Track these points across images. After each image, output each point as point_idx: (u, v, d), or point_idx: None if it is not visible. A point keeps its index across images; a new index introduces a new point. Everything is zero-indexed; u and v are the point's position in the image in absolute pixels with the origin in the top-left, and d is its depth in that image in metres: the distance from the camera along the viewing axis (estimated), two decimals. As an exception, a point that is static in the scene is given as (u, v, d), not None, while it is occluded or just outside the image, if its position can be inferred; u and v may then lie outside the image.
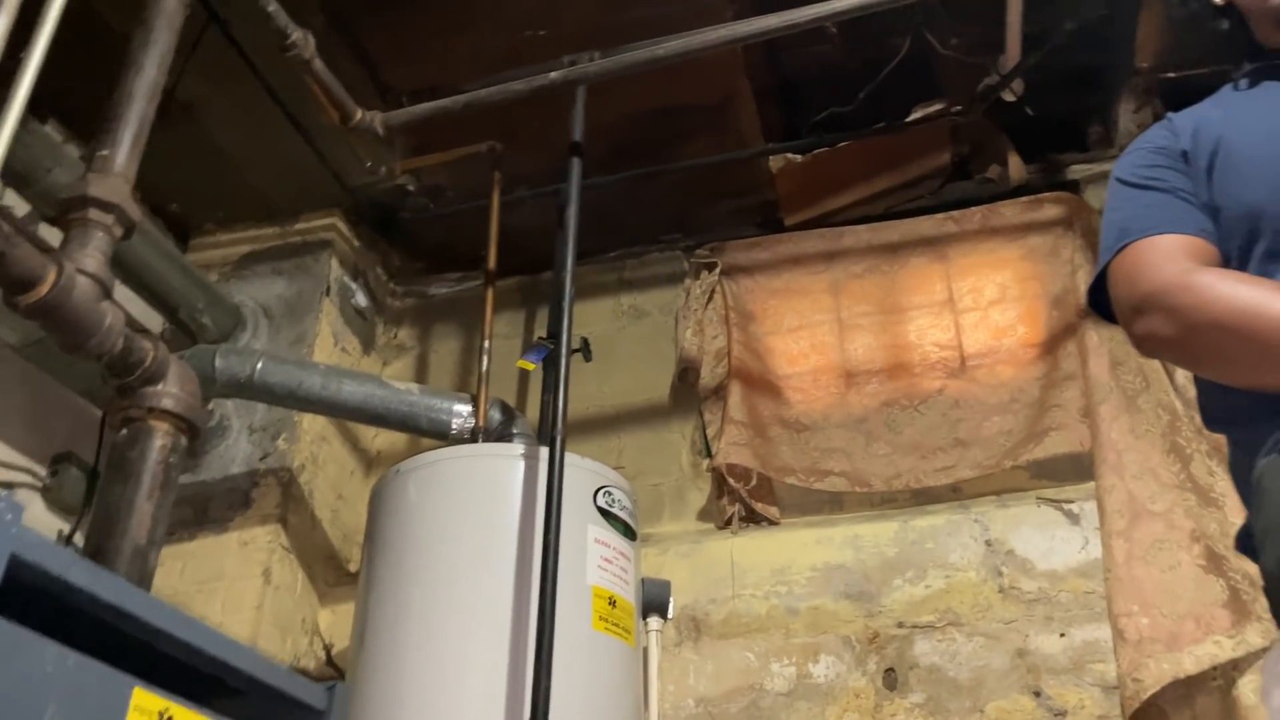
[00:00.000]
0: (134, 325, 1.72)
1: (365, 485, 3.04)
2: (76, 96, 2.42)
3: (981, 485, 2.59)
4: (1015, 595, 2.37)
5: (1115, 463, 2.39)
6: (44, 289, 1.46)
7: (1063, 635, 2.30)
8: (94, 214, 1.59)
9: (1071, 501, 2.46)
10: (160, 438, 1.65)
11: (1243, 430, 1.18)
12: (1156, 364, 2.50)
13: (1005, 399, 2.68)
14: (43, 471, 2.52)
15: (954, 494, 2.61)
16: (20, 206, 2.36)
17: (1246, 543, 1.19)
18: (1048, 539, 2.42)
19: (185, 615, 1.26)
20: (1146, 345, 1.23)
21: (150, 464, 1.62)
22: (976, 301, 2.85)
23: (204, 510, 2.68)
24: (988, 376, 2.74)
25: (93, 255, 1.57)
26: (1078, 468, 2.53)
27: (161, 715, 1.18)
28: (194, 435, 1.72)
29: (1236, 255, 1.19)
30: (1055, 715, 2.23)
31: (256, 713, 1.41)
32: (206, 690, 1.34)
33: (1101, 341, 2.57)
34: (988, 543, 2.45)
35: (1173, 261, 1.18)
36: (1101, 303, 1.29)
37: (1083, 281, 2.73)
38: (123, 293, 2.61)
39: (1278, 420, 1.09)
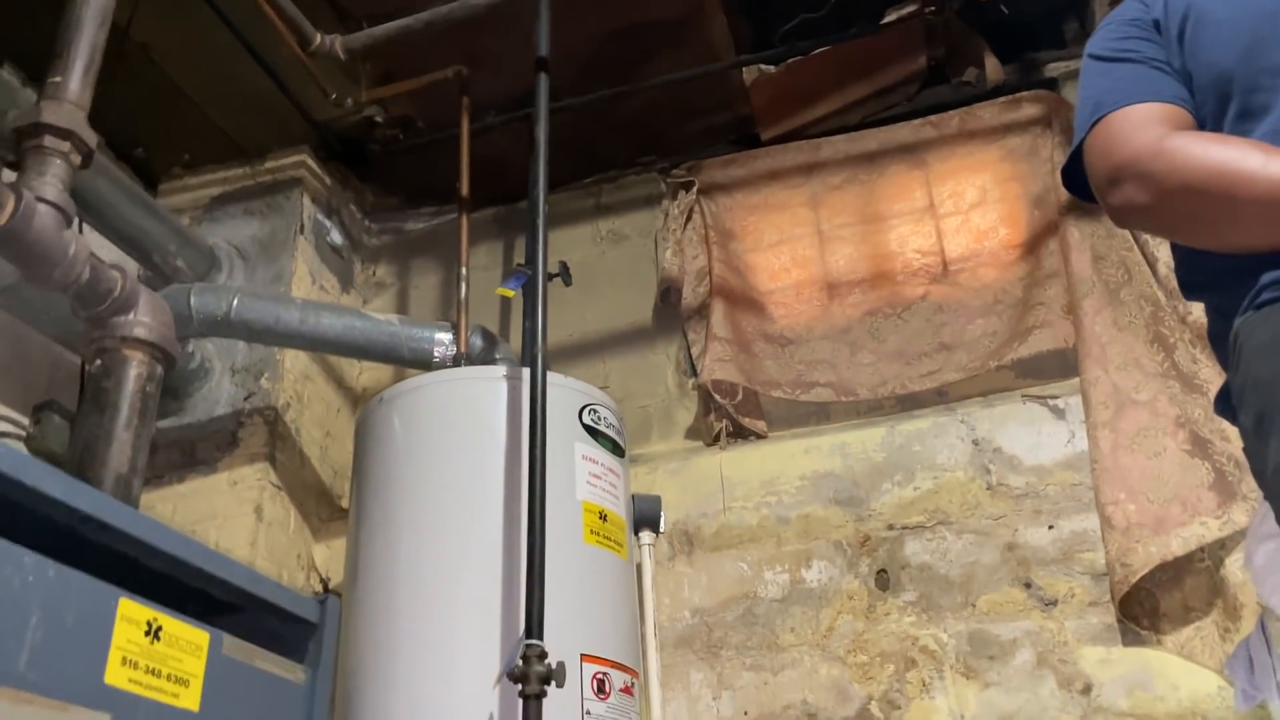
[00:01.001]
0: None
1: (352, 422, 3.03)
2: (31, 40, 2.36)
3: (967, 387, 2.59)
4: (1003, 491, 2.39)
5: (1099, 355, 2.39)
6: (3, 217, 1.43)
7: (1051, 527, 2.32)
8: (49, 141, 1.56)
9: (1057, 397, 2.47)
10: (135, 366, 1.63)
11: (1220, 295, 1.17)
12: (1138, 256, 2.49)
13: (989, 301, 2.68)
14: (25, 420, 2.51)
15: (940, 398, 2.61)
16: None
17: (1225, 404, 1.19)
18: (1034, 435, 2.43)
19: (169, 528, 1.26)
20: (1122, 215, 1.22)
21: (127, 393, 1.61)
22: (957, 206, 2.83)
23: (191, 452, 2.68)
24: (970, 280, 2.73)
25: (51, 183, 1.54)
26: (1062, 364, 2.53)
27: (150, 625, 1.18)
28: (170, 365, 1.71)
29: (1210, 119, 1.18)
30: (1046, 604, 2.25)
31: (249, 628, 1.41)
32: (198, 609, 1.34)
33: (1083, 237, 2.56)
34: (975, 442, 2.46)
35: (1146, 129, 1.16)
36: (1077, 182, 1.27)
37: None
38: (95, 239, 2.58)
39: (1254, 280, 1.09)
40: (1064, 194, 2.66)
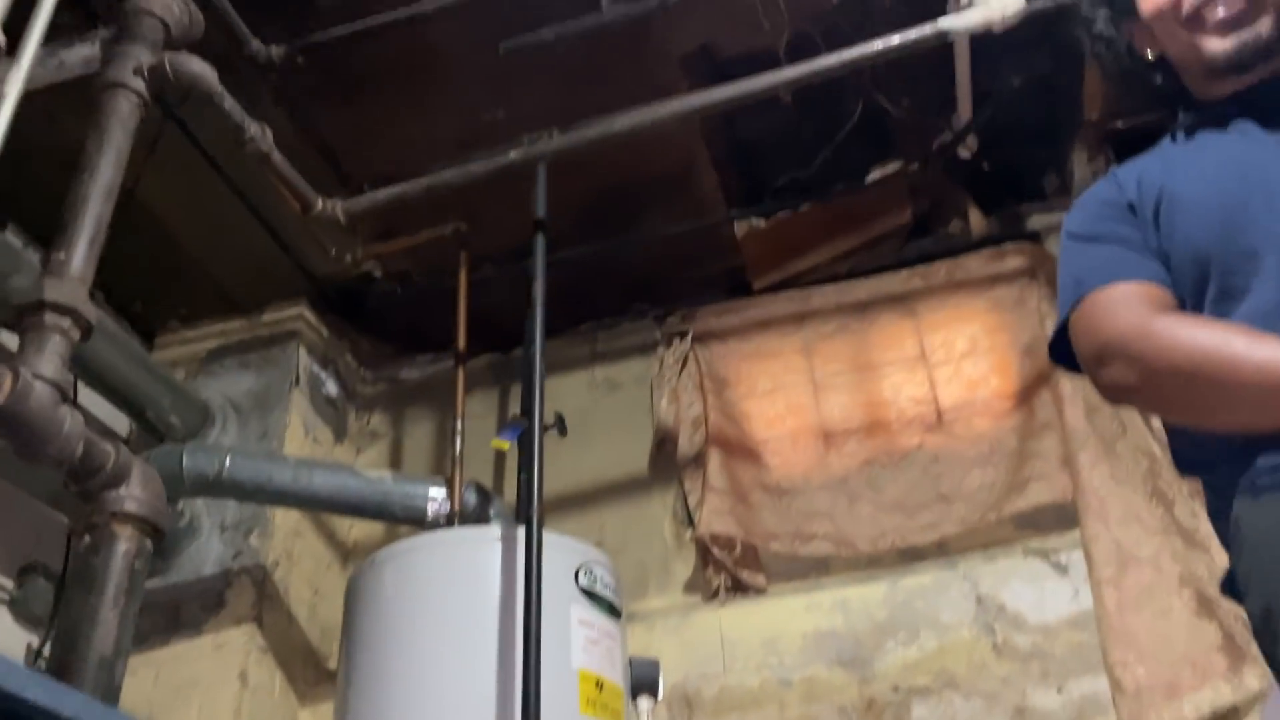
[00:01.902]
0: (97, 428, 1.68)
1: (342, 578, 2.96)
2: (34, 202, 2.41)
3: (967, 540, 2.56)
4: (1010, 651, 2.33)
5: (1099, 510, 2.37)
6: (0, 396, 1.43)
7: (1060, 690, 2.26)
8: (50, 318, 1.56)
9: (1058, 551, 2.44)
10: (124, 542, 1.60)
11: (1215, 474, 1.17)
12: (1133, 409, 2.50)
13: (984, 451, 2.67)
14: (9, 583, 2.45)
15: (940, 550, 2.58)
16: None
17: (1232, 587, 1.17)
18: (1038, 591, 2.39)
19: (150, 730, 1.21)
20: (1111, 394, 1.24)
21: (114, 571, 1.57)
22: (948, 355, 2.86)
23: (175, 614, 2.60)
24: (965, 429, 2.73)
25: (50, 360, 1.54)
26: (1062, 517, 2.51)
27: (127, 839, 1.12)
28: (159, 538, 1.68)
29: (1190, 299, 1.20)
30: (1060, 773, 2.17)
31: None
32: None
33: (1075, 389, 2.57)
34: (978, 599, 2.42)
35: (1130, 309, 1.18)
36: (1065, 354, 1.29)
37: (1051, 328, 2.74)
38: (88, 396, 2.57)
39: (1247, 461, 1.09)
40: (1053, 345, 2.69)
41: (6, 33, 1.66)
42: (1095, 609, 2.28)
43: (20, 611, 2.46)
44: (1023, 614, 2.37)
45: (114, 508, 1.60)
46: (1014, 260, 2.88)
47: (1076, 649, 2.30)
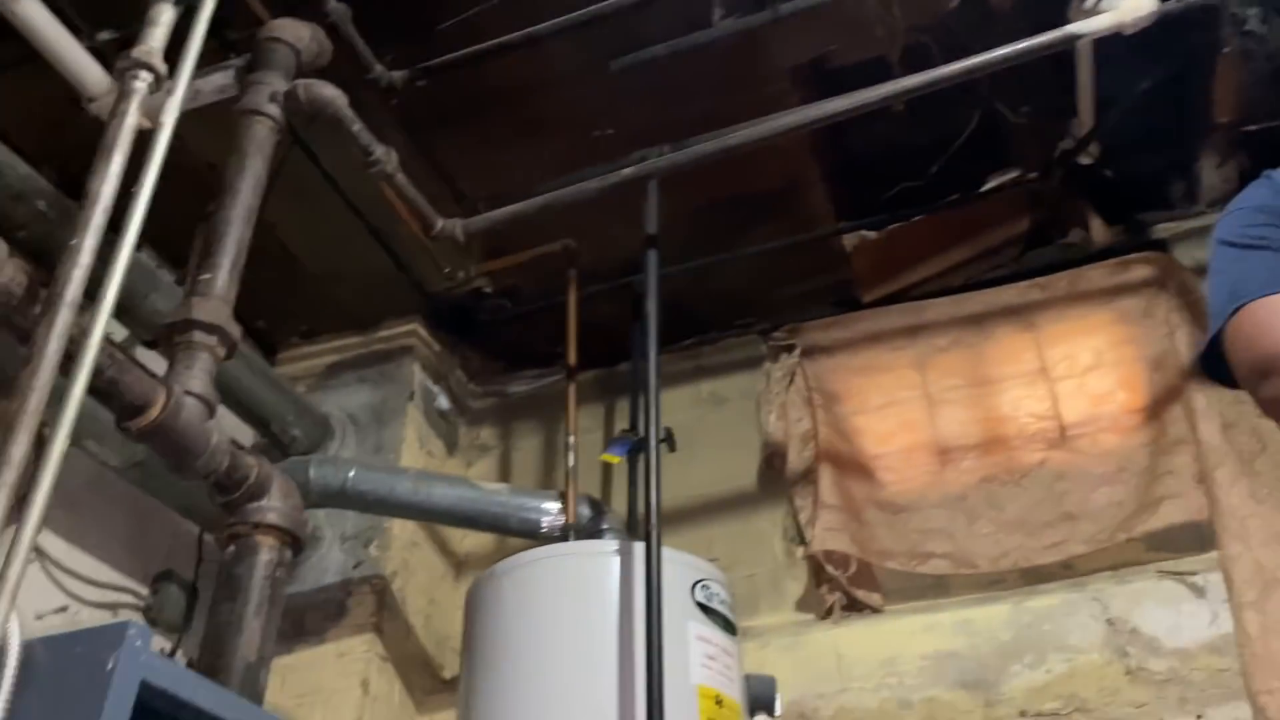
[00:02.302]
0: (235, 442, 1.74)
1: (456, 589, 3.02)
2: (164, 223, 2.51)
3: (1095, 560, 2.47)
4: (1144, 677, 2.24)
5: (1238, 530, 2.27)
6: (154, 413, 1.49)
7: (1199, 718, 2.16)
8: (198, 336, 1.63)
9: (1195, 573, 2.34)
10: (266, 552, 1.65)
11: None
12: (1272, 424, 2.38)
13: (1112, 468, 2.58)
14: (144, 591, 2.55)
15: (1066, 571, 2.50)
16: (118, 332, 2.44)
17: None
18: (1173, 614, 2.30)
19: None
20: (1274, 408, 1.19)
21: (257, 579, 1.63)
22: (1071, 369, 2.77)
23: (300, 622, 2.68)
24: (1091, 446, 2.65)
25: (198, 377, 1.60)
26: (1197, 537, 2.41)
27: (287, 843, 1.15)
28: (298, 547, 1.73)
29: None
30: (1202, 805, 2.08)
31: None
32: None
33: (1210, 404, 2.47)
34: (1109, 621, 2.33)
35: None
36: (1214, 368, 1.25)
37: (1182, 343, 2.65)
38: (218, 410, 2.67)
39: None
40: (1185, 358, 2.60)
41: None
42: (1236, 634, 2.18)
43: (155, 618, 2.56)
44: (1158, 638, 2.28)
45: (256, 519, 1.66)
46: (1140, 270, 2.78)
47: (1216, 675, 2.20)
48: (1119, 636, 2.31)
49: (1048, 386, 2.78)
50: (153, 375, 1.55)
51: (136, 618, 2.55)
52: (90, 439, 2.17)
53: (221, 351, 1.65)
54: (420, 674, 2.79)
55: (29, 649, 1.01)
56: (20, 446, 1.12)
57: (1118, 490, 2.54)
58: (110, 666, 0.97)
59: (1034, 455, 2.67)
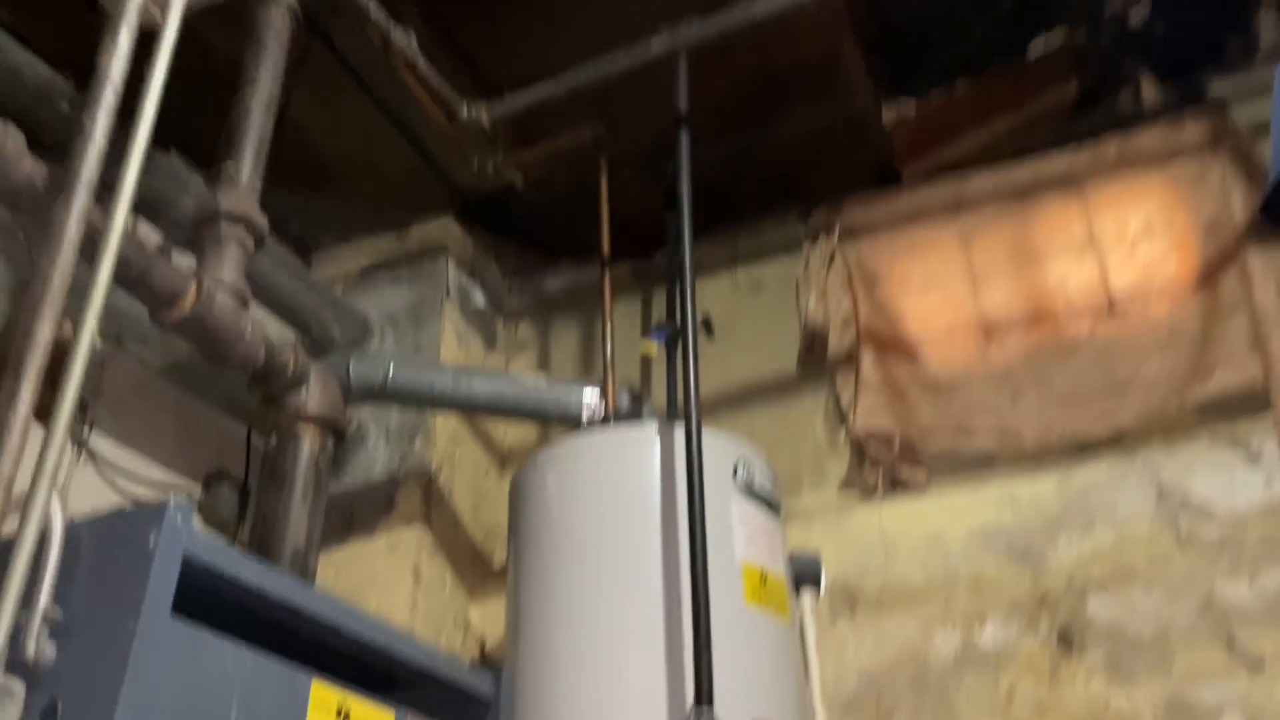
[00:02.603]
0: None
1: (501, 483, 3.06)
2: (193, 124, 2.49)
3: (1145, 431, 2.42)
4: (1195, 543, 2.22)
5: (1295, 393, 2.21)
6: (187, 303, 1.49)
7: (1252, 581, 2.14)
8: (225, 227, 1.62)
9: (1249, 438, 2.28)
10: (308, 442, 1.67)
11: None
12: (1331, 283, 2.30)
13: (1163, 337, 2.51)
14: (196, 490, 2.61)
15: (1115, 443, 2.45)
16: (152, 236, 2.44)
17: None
18: (1226, 481, 2.25)
19: (355, 610, 1.26)
20: None
21: (302, 468, 1.65)
22: (1121, 237, 2.68)
23: (350, 516, 2.73)
24: (1141, 316, 2.57)
25: (228, 267, 1.60)
26: (1251, 402, 2.35)
27: (340, 709, 1.18)
28: (340, 438, 1.74)
29: None
30: (1252, 665, 2.07)
31: (423, 703, 1.40)
32: (373, 684, 1.34)
33: (1266, 267, 2.38)
34: (1159, 490, 2.30)
35: None
36: (1277, 213, 1.18)
37: (1237, 205, 2.55)
38: (256, 312, 2.69)
39: None
40: (1240, 221, 2.50)
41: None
42: (1291, 497, 2.14)
43: (209, 516, 2.62)
44: (1210, 504, 2.24)
45: (297, 410, 1.67)
46: (1193, 131, 2.66)
47: (1271, 539, 2.16)
48: (1169, 505, 2.27)
49: (1096, 257, 2.69)
50: (184, 266, 1.54)
51: (193, 516, 2.61)
52: (132, 340, 2.20)
53: (250, 242, 1.64)
54: (470, 564, 2.84)
55: (72, 530, 1.02)
56: (45, 329, 1.12)
57: (1169, 359, 2.48)
58: (152, 544, 0.98)
59: (1082, 328, 2.61)
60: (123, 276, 1.34)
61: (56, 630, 0.98)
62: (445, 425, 2.89)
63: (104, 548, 1.02)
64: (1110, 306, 2.62)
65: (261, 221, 1.66)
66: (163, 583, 0.98)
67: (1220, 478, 2.26)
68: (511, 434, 3.19)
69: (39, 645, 0.96)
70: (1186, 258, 2.61)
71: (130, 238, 1.34)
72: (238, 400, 2.63)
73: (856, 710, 2.35)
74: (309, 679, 1.16)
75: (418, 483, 2.75)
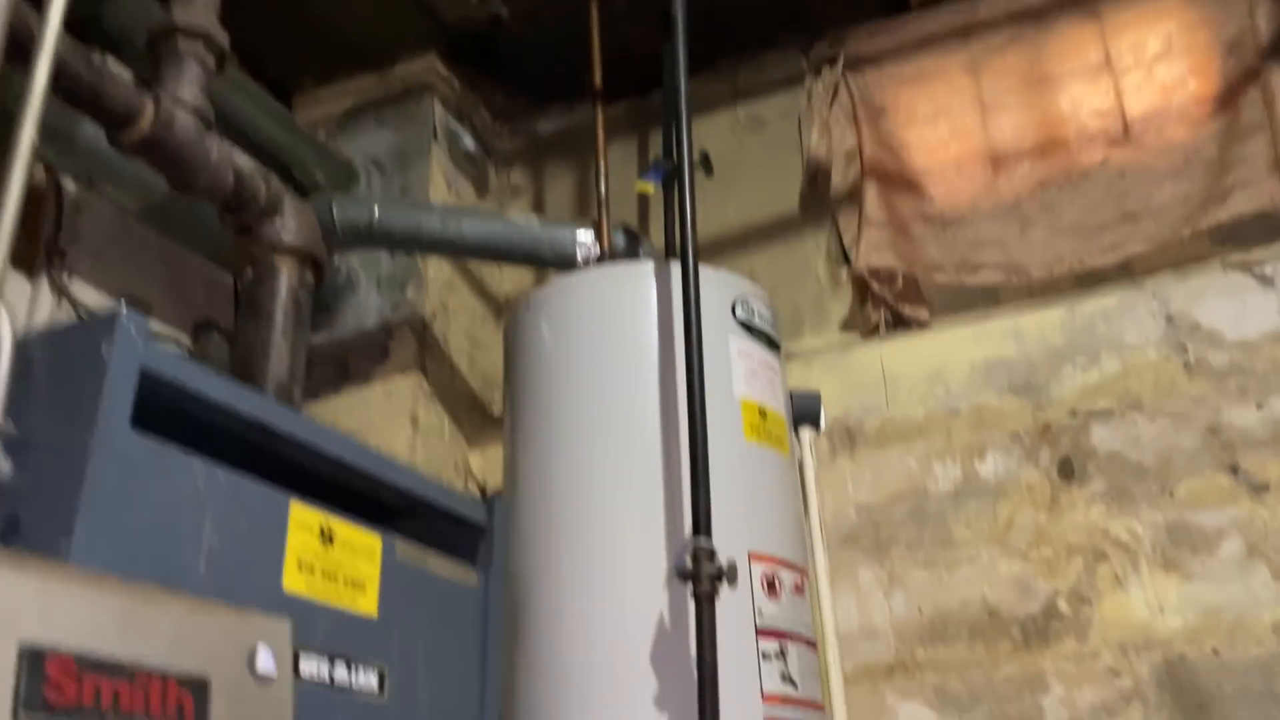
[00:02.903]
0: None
1: (498, 331, 3.01)
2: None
3: (1156, 260, 2.35)
4: (1203, 370, 2.17)
5: (1314, 214, 2.12)
6: (144, 123, 1.41)
7: (1260, 406, 2.10)
8: (182, 44, 1.52)
9: (1263, 263, 2.21)
10: (286, 275, 1.61)
11: None
12: (1360, 97, 2.18)
13: (1178, 162, 2.41)
14: (185, 339, 2.56)
15: (1124, 273, 2.38)
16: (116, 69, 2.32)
17: None
18: (1237, 306, 2.19)
19: (334, 432, 1.23)
20: None
21: (280, 301, 1.59)
22: (1138, 59, 2.54)
23: (344, 365, 2.70)
24: (1156, 141, 2.46)
25: (188, 87, 1.51)
26: (1266, 228, 2.27)
27: (323, 530, 1.15)
28: (320, 273, 1.68)
29: None
30: (1256, 490, 2.05)
31: (418, 533, 1.38)
32: (365, 515, 1.31)
33: (1291, 83, 2.26)
34: (1168, 317, 2.24)
35: None
36: None
37: (1262, 20, 2.40)
38: (234, 156, 2.59)
39: None
40: (1264, 38, 2.36)
41: None
42: (1305, 321, 2.08)
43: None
44: (1219, 330, 2.19)
45: (272, 240, 1.60)
46: (1220, -58, 2.49)
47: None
48: (1178, 332, 2.22)
49: (1111, 80, 2.56)
50: (140, 84, 1.45)
51: (184, 367, 2.57)
52: (105, 181, 2.11)
53: (210, 60, 1.54)
54: (468, 411, 2.82)
55: (23, 346, 0.97)
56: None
57: (1183, 185, 2.38)
58: (105, 353, 0.93)
59: (1094, 155, 2.50)
60: (73, 95, 1.26)
61: (12, 446, 0.94)
62: (438, 273, 2.82)
63: (58, 362, 0.97)
64: (1125, 132, 2.51)
65: (222, 37, 1.55)
66: (118, 394, 0.93)
67: (1231, 304, 2.20)
68: (507, 282, 3.13)
69: (-5, 460, 0.92)
70: (1206, 79, 2.48)
71: (79, 53, 1.24)
72: (224, 247, 2.56)
73: (854, 543, 2.36)
74: (288, 499, 1.13)
75: (412, 330, 2.71)
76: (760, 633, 1.81)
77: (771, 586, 1.89)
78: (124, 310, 0.95)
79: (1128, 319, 2.27)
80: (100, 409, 0.92)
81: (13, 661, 0.76)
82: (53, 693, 0.78)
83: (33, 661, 0.77)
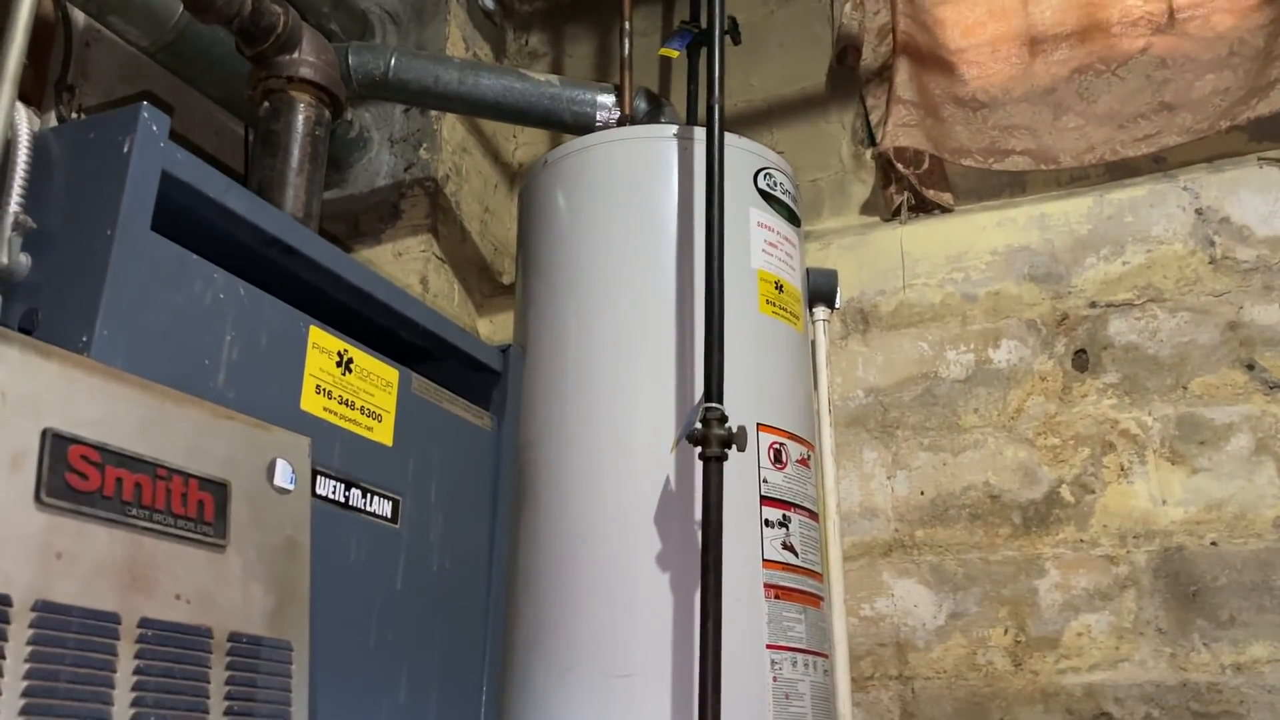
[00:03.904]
0: None
1: (510, 199, 2.96)
2: None
3: (1190, 153, 2.29)
4: (1229, 265, 2.14)
5: (1360, 110, 2.06)
6: (160, -64, 1.34)
7: (1282, 306, 2.08)
8: None
9: (1301, 160, 2.16)
10: (304, 109, 1.56)
11: None
12: None
13: (1222, 53, 2.33)
14: (196, 188, 2.52)
15: (1157, 165, 2.33)
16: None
17: None
18: (1271, 203, 2.15)
19: (353, 260, 1.20)
20: None
21: (298, 136, 1.54)
22: (1191, -59, 2.44)
23: (355, 224, 2.66)
24: (1201, 29, 2.37)
25: (204, -97, 1.43)
26: (1309, 124, 2.21)
27: (341, 356, 1.13)
28: (337, 110, 1.63)
29: None
30: (1270, 388, 2.04)
31: (434, 374, 1.37)
32: (382, 351, 1.29)
33: (1351, -30, 2.16)
34: (1198, 211, 2.19)
35: None
36: None
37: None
38: None
39: None
40: (1330, -80, 2.25)
41: None
42: (1338, 221, 2.04)
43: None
44: (1249, 226, 2.15)
45: (289, 72, 1.55)
46: None
47: (1308, 264, 2.09)
48: (1207, 226, 2.18)
49: (1162, -37, 2.45)
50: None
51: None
52: (114, 14, 2.04)
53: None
54: (478, 278, 2.80)
55: (40, 140, 0.93)
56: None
57: (1225, 77, 2.31)
58: (126, 148, 0.90)
59: (1136, 41, 2.42)
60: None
61: (32, 240, 0.91)
62: (453, 134, 2.76)
63: (77, 157, 0.94)
64: (1170, 18, 2.42)
65: None
66: (140, 191, 0.90)
67: (1263, 200, 2.16)
68: (521, 150, 3.06)
69: (12, 253, 0.89)
70: (1262, -36, 2.38)
71: None
72: (235, 93, 2.49)
73: (861, 424, 2.36)
74: (308, 322, 1.11)
75: (424, 191, 2.66)
76: (764, 500, 1.82)
77: (778, 457, 1.89)
78: (145, 109, 0.91)
79: (1156, 211, 2.23)
80: (122, 205, 0.89)
81: (36, 446, 0.75)
82: (76, 479, 0.77)
83: (56, 447, 0.76)
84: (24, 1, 0.93)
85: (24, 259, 0.90)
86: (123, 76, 2.33)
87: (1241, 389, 2.05)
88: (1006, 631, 2.11)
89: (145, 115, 0.91)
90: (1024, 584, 2.12)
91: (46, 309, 0.90)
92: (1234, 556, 1.98)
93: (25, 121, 0.92)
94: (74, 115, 2.24)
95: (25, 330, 0.88)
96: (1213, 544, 2.01)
